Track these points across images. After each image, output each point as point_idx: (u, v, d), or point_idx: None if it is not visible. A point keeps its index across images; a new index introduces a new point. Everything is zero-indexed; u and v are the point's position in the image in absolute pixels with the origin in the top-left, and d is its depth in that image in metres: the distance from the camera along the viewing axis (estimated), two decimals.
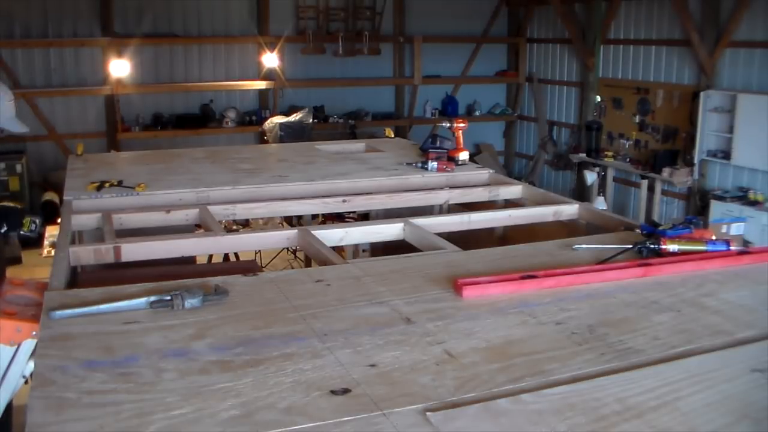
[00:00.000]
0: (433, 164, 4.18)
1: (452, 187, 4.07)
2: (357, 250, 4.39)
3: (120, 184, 3.65)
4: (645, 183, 9.97)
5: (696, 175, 9.44)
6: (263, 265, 7.08)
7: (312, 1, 11.44)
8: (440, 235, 3.02)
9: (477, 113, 12.74)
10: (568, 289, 2.29)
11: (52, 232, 3.16)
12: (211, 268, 4.29)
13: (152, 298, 2.09)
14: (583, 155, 10.96)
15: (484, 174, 4.27)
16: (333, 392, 1.62)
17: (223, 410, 1.54)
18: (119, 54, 10.22)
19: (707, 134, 9.26)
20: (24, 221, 2.99)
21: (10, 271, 7.52)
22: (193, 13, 10.93)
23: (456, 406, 1.56)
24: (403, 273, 2.46)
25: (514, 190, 4.02)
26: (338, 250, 3.10)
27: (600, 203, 9.92)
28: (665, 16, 9.93)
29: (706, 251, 2.57)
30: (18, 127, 3.16)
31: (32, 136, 10.01)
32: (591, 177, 10.75)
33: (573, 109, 11.97)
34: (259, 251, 6.65)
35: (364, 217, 4.89)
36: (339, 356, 1.80)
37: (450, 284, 2.31)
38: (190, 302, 2.09)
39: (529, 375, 1.71)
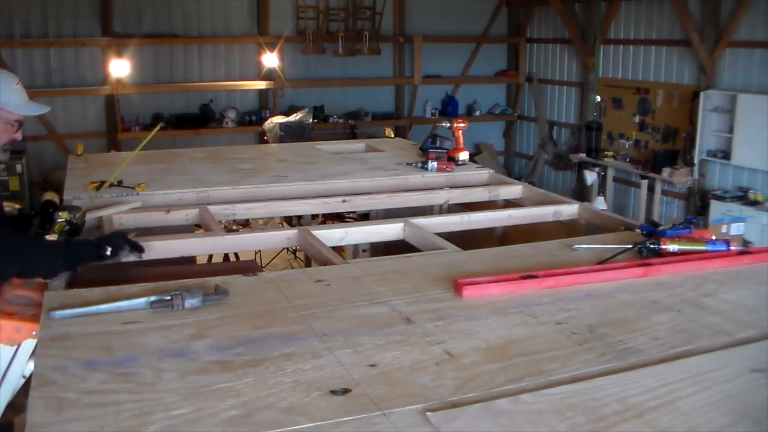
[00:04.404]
0: (433, 164, 4.18)
1: (452, 187, 4.07)
2: (357, 250, 4.39)
3: (120, 184, 3.65)
4: (645, 183, 9.96)
5: (696, 175, 9.43)
6: (263, 265, 7.08)
7: (312, 1, 11.43)
8: (440, 235, 3.03)
9: (477, 113, 12.73)
10: (568, 289, 2.29)
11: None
12: (211, 268, 4.28)
13: (152, 298, 2.09)
14: (583, 155, 10.95)
15: (484, 174, 4.27)
16: (333, 392, 1.62)
17: (223, 410, 1.54)
18: (119, 54, 10.21)
19: (707, 134, 9.26)
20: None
21: None
22: (193, 13, 10.91)
23: (456, 406, 1.56)
24: (403, 273, 2.46)
25: (514, 190, 4.02)
26: (338, 250, 3.10)
27: (600, 203, 9.90)
28: (665, 16, 9.93)
29: (706, 251, 2.57)
30: (36, 110, 2.79)
31: (32, 136, 10.00)
32: (591, 177, 10.74)
33: (573, 109, 11.96)
34: (259, 251, 6.65)
35: (364, 217, 4.89)
36: (339, 356, 1.80)
37: (450, 284, 2.31)
38: (190, 302, 2.09)
39: (529, 375, 1.71)
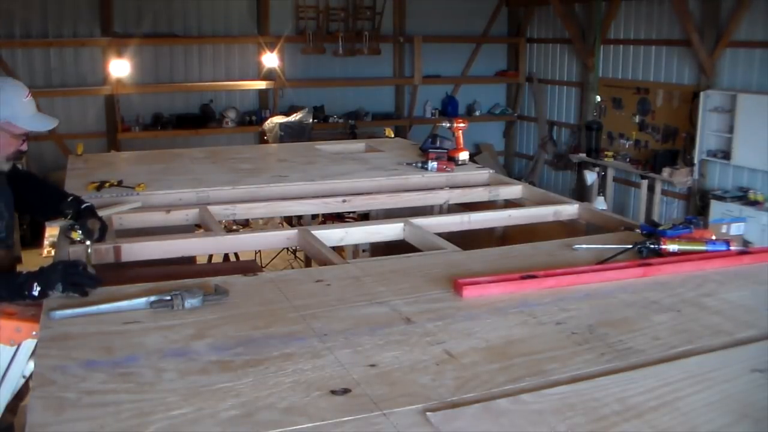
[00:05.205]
0: (433, 164, 4.18)
1: (452, 187, 4.07)
2: (357, 250, 4.39)
3: (120, 184, 3.66)
4: (645, 183, 9.96)
5: (696, 175, 9.43)
6: (263, 265, 7.08)
7: (312, 1, 11.43)
8: (440, 235, 3.03)
9: (477, 113, 12.72)
10: (568, 289, 2.29)
11: (51, 232, 3.13)
12: (211, 268, 4.28)
13: (152, 298, 2.09)
14: (583, 155, 10.95)
15: (484, 174, 4.27)
16: (333, 392, 1.62)
17: (223, 410, 1.54)
18: (119, 54, 10.21)
19: (707, 134, 9.25)
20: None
21: None
22: (193, 13, 10.91)
23: (456, 406, 1.56)
24: (403, 273, 2.46)
25: (514, 190, 4.02)
26: (338, 250, 3.10)
27: (600, 203, 9.90)
28: (665, 16, 9.92)
29: (706, 251, 2.57)
30: (44, 125, 2.68)
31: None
32: (591, 177, 10.74)
33: (573, 109, 11.96)
34: (259, 251, 6.65)
35: (364, 217, 4.89)
36: (339, 356, 1.80)
37: (450, 284, 2.31)
38: (190, 302, 2.09)
39: (529, 375, 1.71)
